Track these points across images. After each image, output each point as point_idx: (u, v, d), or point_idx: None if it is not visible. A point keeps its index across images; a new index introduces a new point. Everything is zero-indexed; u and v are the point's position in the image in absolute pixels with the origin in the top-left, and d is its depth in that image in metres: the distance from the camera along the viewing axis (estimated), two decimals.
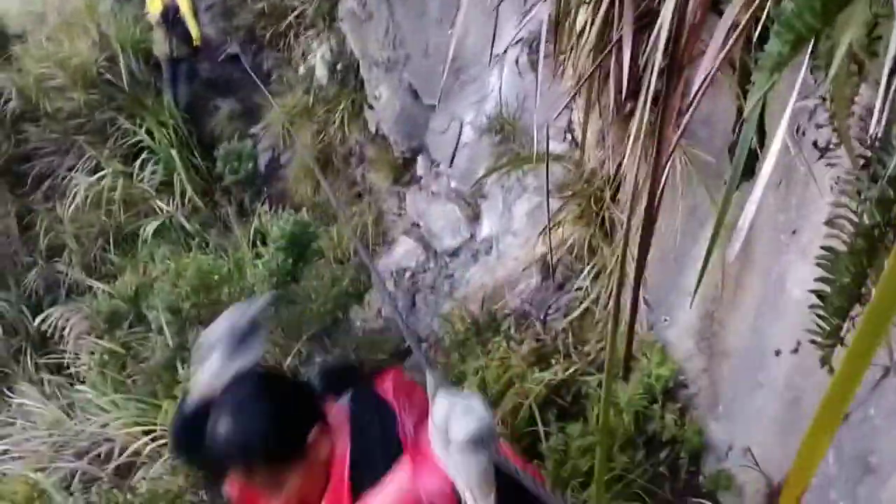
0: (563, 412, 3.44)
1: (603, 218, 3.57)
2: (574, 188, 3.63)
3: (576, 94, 2.66)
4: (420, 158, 6.60)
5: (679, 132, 1.23)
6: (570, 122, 3.04)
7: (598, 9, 2.26)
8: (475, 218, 6.06)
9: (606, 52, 2.40)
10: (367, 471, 1.56)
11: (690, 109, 1.24)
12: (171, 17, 7.98)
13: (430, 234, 6.51)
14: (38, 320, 6.38)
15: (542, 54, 2.31)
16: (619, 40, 1.96)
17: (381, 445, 1.61)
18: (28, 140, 8.45)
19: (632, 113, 2.67)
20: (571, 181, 3.84)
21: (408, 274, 6.58)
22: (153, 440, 4.20)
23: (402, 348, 5.42)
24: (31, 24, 9.33)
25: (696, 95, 1.22)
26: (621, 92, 2.27)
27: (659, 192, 1.38)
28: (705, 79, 1.21)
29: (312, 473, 1.63)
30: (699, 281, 1.71)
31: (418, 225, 6.75)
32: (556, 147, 4.20)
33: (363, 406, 1.75)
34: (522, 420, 3.45)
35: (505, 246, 5.37)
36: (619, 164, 3.03)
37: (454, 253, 6.26)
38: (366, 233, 7.06)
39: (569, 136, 4.16)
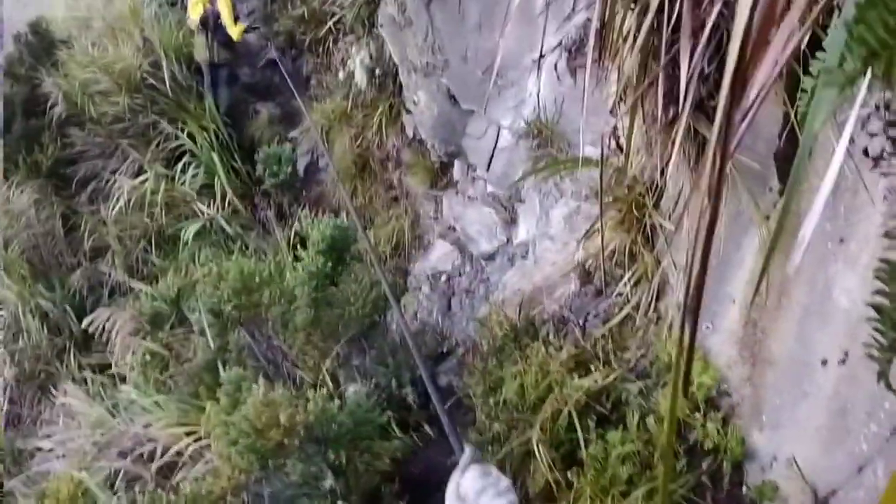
0: (602, 419, 3.42)
1: (644, 224, 3.55)
2: (615, 194, 3.61)
3: (621, 99, 2.65)
4: (457, 163, 6.62)
5: (736, 144, 1.22)
6: (614, 127, 3.02)
7: (645, 15, 2.25)
8: (511, 222, 6.06)
9: (655, 58, 2.39)
10: None
11: (746, 121, 1.23)
12: (211, 23, 8.10)
13: (467, 238, 6.52)
14: (86, 321, 6.49)
15: (588, 59, 2.30)
16: (671, 47, 1.95)
17: None
18: (73, 143, 8.64)
19: (676, 119, 2.66)
20: (612, 187, 3.83)
21: (443, 277, 6.60)
22: (195, 441, 4.25)
23: (439, 352, 5.46)
24: (77, 30, 9.52)
25: (752, 106, 1.21)
26: (668, 98, 2.26)
27: (719, 204, 1.37)
28: (761, 90, 1.20)
29: None
30: (755, 292, 1.69)
31: (454, 229, 6.77)
32: (596, 152, 4.19)
33: None
34: (561, 427, 3.43)
35: (542, 250, 5.36)
36: (663, 171, 3.00)
37: (490, 257, 6.27)
38: (402, 236, 7.12)
39: (609, 142, 4.15)
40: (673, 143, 2.67)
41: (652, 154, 2.92)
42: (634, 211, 3.51)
